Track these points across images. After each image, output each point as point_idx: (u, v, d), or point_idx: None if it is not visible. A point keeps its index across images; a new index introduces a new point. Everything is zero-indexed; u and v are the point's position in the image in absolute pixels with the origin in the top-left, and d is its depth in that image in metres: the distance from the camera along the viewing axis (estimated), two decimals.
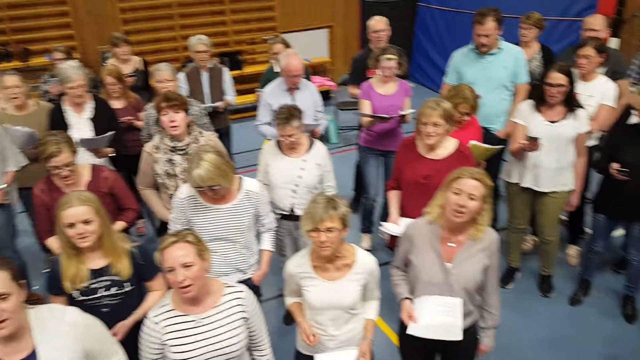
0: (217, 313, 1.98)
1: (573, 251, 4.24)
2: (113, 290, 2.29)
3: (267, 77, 4.56)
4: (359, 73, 4.47)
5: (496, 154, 3.61)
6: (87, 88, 3.77)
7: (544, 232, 3.70)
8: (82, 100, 3.73)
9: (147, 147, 3.16)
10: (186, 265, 1.87)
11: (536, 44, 4.29)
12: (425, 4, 8.59)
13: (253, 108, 4.88)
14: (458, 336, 2.21)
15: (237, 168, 4.08)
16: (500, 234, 2.40)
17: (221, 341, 1.96)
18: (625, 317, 3.62)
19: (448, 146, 2.98)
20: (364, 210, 4.46)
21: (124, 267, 2.29)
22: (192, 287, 1.89)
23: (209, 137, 3.25)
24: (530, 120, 3.42)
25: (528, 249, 4.30)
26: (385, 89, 3.98)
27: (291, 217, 3.29)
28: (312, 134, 3.76)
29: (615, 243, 4.17)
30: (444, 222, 2.26)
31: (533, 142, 3.23)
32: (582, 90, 3.63)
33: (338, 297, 2.25)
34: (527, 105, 3.48)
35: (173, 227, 2.72)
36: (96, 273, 2.27)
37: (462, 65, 4.10)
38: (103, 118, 3.80)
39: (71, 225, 2.17)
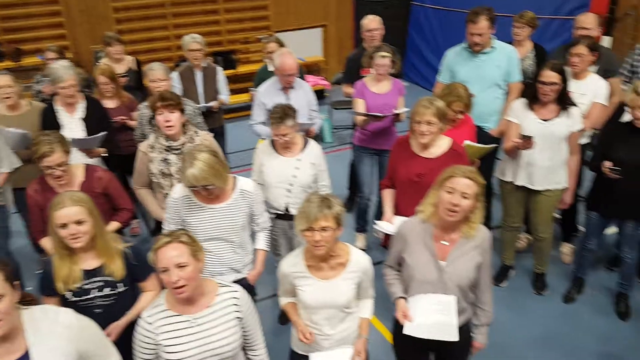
0: (212, 313, 1.98)
1: (567, 249, 4.25)
2: (106, 291, 2.29)
3: (261, 76, 4.54)
4: (352, 72, 4.47)
5: (490, 152, 3.62)
6: (78, 88, 3.75)
7: (538, 230, 3.72)
8: (73, 100, 3.71)
9: (143, 147, 3.15)
10: (180, 266, 1.87)
11: (529, 42, 4.31)
12: (419, 3, 8.60)
13: (247, 107, 4.87)
14: (454, 336, 2.21)
15: (232, 167, 4.08)
16: (494, 232, 2.41)
17: (215, 341, 1.96)
18: (618, 314, 3.64)
19: (442, 145, 2.99)
20: (359, 209, 4.45)
21: (117, 268, 2.28)
22: (186, 288, 1.88)
23: (205, 137, 3.24)
24: (524, 118, 3.43)
25: (522, 247, 4.32)
26: (379, 88, 3.98)
27: (286, 216, 3.28)
28: (307, 133, 3.75)
29: (608, 241, 4.20)
30: (436, 221, 2.26)
31: (527, 141, 3.24)
32: (575, 88, 3.64)
33: (332, 296, 2.26)
34: (520, 104, 3.50)
35: (167, 227, 2.72)
36: (89, 274, 2.26)
37: (455, 64, 4.11)
38: (95, 118, 3.78)
39: (64, 225, 2.16)
